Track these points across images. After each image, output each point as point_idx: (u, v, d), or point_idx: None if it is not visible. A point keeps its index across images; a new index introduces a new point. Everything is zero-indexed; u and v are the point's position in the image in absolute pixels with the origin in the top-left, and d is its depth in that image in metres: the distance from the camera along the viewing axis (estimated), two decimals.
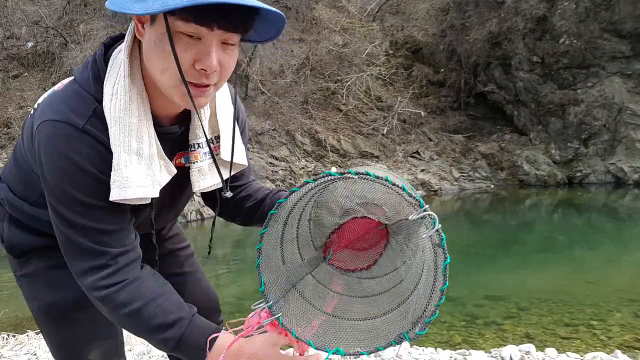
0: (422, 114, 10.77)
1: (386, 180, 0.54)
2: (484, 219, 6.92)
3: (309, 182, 0.57)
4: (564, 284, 3.60)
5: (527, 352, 1.97)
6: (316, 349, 0.63)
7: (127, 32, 0.63)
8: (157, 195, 0.65)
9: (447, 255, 0.57)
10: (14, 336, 2.22)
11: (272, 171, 8.61)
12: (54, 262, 0.72)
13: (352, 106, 10.45)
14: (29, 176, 0.68)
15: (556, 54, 10.02)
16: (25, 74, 9.55)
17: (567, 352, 2.08)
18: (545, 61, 10.23)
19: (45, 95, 0.67)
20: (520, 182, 9.95)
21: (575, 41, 9.79)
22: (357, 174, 0.55)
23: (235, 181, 0.82)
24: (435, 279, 0.57)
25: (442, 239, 0.57)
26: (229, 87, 0.75)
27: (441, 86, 11.81)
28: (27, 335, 2.21)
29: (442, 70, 11.81)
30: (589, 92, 9.88)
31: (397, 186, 0.54)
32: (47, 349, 2.01)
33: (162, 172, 0.65)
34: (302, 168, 9.07)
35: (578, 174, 9.94)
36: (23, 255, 0.70)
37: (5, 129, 8.39)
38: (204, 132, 0.68)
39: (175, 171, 0.68)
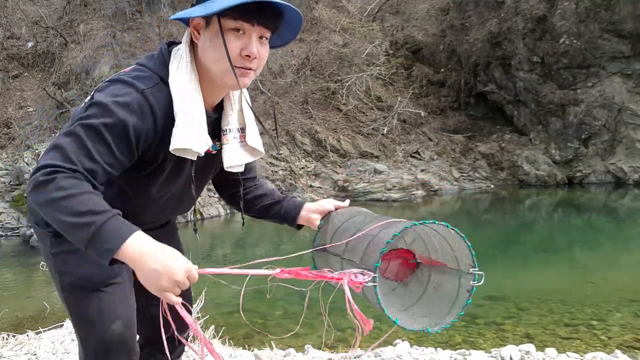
0: (422, 114, 10.77)
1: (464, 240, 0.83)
2: (484, 219, 6.93)
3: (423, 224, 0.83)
4: (564, 284, 3.60)
5: (527, 352, 1.97)
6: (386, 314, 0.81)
7: (183, 39, 0.83)
8: (203, 152, 0.81)
9: (470, 299, 0.87)
10: (14, 336, 2.22)
11: (272, 171, 8.61)
12: None
13: (352, 106, 10.45)
14: None
15: (556, 54, 10.02)
16: (25, 74, 9.55)
17: (567, 352, 2.07)
18: (545, 61, 10.23)
19: (113, 78, 0.80)
20: (520, 182, 9.95)
21: (575, 41, 9.79)
22: (453, 229, 0.81)
23: (245, 174, 1.01)
24: (453, 306, 0.89)
25: (474, 289, 0.86)
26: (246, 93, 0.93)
27: (441, 86, 11.81)
28: (27, 335, 2.20)
29: (442, 70, 11.81)
30: (589, 92, 9.88)
31: (469, 247, 0.83)
32: (48, 349, 2.02)
33: (207, 141, 0.83)
34: (302, 168, 9.07)
35: (578, 174, 9.94)
36: (61, 235, 0.76)
37: (5, 129, 8.38)
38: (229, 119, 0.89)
39: (211, 143, 0.84)
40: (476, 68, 11.30)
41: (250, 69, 0.81)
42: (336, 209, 1.01)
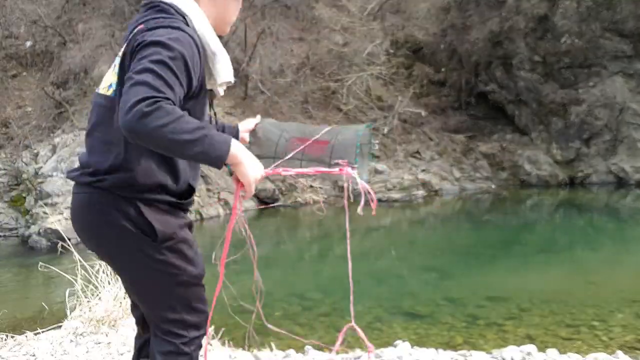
0: (423, 113, 10.74)
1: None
2: (485, 220, 6.92)
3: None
4: (565, 284, 3.60)
5: (529, 353, 1.96)
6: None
7: None
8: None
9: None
10: (12, 337, 2.21)
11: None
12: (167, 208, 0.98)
13: (352, 106, 10.43)
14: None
15: (558, 53, 9.99)
16: (24, 73, 9.54)
17: (568, 353, 2.08)
18: (547, 61, 10.20)
19: (150, 24, 0.93)
20: (522, 182, 9.92)
21: (576, 40, 9.76)
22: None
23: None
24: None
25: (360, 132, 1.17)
26: None
27: (442, 86, 11.78)
28: (26, 336, 2.20)
29: (443, 69, 11.79)
30: (590, 92, 9.85)
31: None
32: (46, 350, 2.01)
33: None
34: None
35: (580, 174, 9.91)
36: (159, 236, 0.94)
37: (3, 129, 8.37)
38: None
39: None
40: (477, 67, 11.27)
41: None
42: (256, 126, 1.21)
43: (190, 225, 1.04)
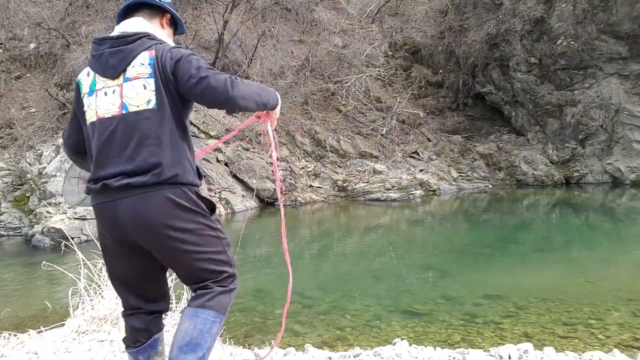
0: (421, 114, 10.80)
1: None
2: (482, 219, 6.95)
3: None
4: (562, 283, 3.60)
5: (526, 351, 1.97)
6: None
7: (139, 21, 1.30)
8: None
9: None
10: (15, 335, 2.22)
11: (272, 171, 8.61)
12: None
13: (351, 107, 10.47)
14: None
15: (554, 55, 10.06)
16: (28, 75, 9.53)
17: (565, 351, 2.08)
18: (543, 62, 10.27)
19: (165, 47, 1.21)
20: (518, 182, 9.98)
21: (572, 42, 9.83)
22: None
23: None
24: None
25: None
26: None
27: (440, 87, 11.84)
28: (29, 335, 2.20)
29: (441, 71, 11.85)
30: (586, 93, 9.93)
31: None
32: (49, 348, 2.02)
33: None
34: (302, 168, 9.08)
35: (575, 174, 9.98)
36: (213, 210, 1.24)
37: (7, 130, 8.36)
38: None
39: None
40: (474, 69, 11.34)
41: None
42: None
43: None
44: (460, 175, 9.94)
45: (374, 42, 11.23)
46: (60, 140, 7.48)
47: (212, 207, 1.23)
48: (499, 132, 11.22)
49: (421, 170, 9.68)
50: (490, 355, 1.97)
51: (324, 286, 3.71)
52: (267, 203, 8.18)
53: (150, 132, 1.14)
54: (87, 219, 5.92)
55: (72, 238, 2.41)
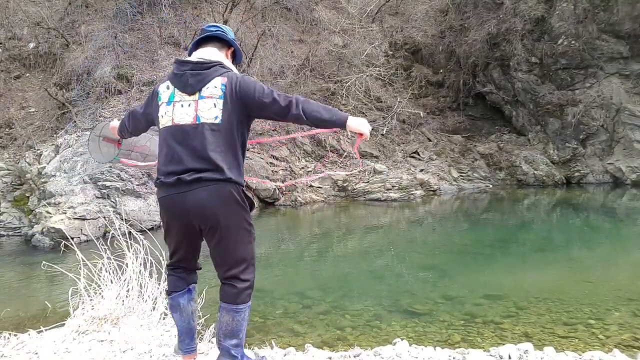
0: (421, 114, 10.79)
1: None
2: (483, 219, 6.94)
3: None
4: (562, 283, 3.60)
5: (526, 351, 1.97)
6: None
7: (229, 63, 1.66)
8: None
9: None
10: (15, 335, 2.23)
11: (272, 171, 8.62)
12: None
13: (351, 106, 10.47)
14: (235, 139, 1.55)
15: (554, 54, 10.05)
16: (27, 74, 9.53)
17: (565, 351, 2.06)
18: (544, 62, 10.26)
19: (236, 75, 1.55)
20: (519, 182, 9.97)
21: (573, 42, 9.82)
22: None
23: None
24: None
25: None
26: None
27: (440, 87, 11.83)
28: (29, 335, 2.21)
29: (441, 71, 11.84)
30: (587, 93, 9.91)
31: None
32: (49, 348, 2.03)
33: None
34: (302, 168, 9.08)
35: (576, 174, 9.97)
36: (252, 207, 1.58)
37: (7, 129, 8.37)
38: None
39: None
40: (475, 69, 11.33)
41: None
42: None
43: None
44: (461, 175, 9.94)
45: (374, 41, 11.23)
46: (60, 140, 7.49)
47: (251, 205, 1.57)
48: (499, 132, 11.21)
49: (421, 170, 9.68)
50: (491, 355, 1.97)
51: (324, 286, 3.70)
52: (267, 203, 8.18)
53: (215, 141, 1.48)
54: (86, 219, 5.92)
55: (72, 238, 2.42)
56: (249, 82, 1.51)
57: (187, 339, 1.67)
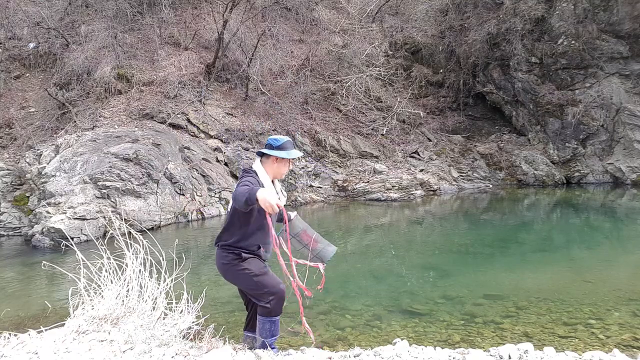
0: (421, 114, 10.79)
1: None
2: (483, 219, 6.94)
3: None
4: (562, 283, 3.60)
5: (526, 351, 1.97)
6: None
7: (257, 161, 2.27)
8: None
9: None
10: (15, 335, 2.23)
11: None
12: (251, 257, 2.23)
13: (351, 106, 10.47)
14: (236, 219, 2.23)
15: (554, 54, 10.06)
16: (27, 74, 9.53)
17: (565, 351, 2.07)
18: (544, 62, 10.26)
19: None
20: (519, 182, 9.97)
21: (573, 42, 9.82)
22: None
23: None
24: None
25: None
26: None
27: (440, 87, 11.84)
28: (29, 334, 2.21)
29: (441, 71, 11.84)
30: (587, 93, 9.92)
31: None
32: (49, 348, 2.03)
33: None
34: (302, 168, 9.07)
35: (576, 173, 9.97)
36: (245, 259, 2.19)
37: (7, 129, 8.36)
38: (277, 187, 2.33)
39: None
40: (475, 69, 11.33)
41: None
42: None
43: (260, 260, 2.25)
44: (461, 175, 9.94)
45: (374, 41, 11.23)
46: (60, 140, 7.49)
47: (243, 258, 2.17)
48: (499, 131, 11.21)
49: (421, 170, 9.68)
50: (490, 355, 1.97)
51: (324, 286, 3.70)
52: None
53: (226, 222, 2.20)
54: (86, 219, 5.92)
55: (72, 238, 2.42)
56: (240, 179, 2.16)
57: None
